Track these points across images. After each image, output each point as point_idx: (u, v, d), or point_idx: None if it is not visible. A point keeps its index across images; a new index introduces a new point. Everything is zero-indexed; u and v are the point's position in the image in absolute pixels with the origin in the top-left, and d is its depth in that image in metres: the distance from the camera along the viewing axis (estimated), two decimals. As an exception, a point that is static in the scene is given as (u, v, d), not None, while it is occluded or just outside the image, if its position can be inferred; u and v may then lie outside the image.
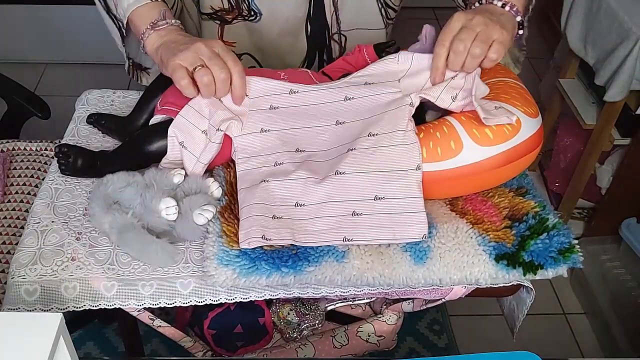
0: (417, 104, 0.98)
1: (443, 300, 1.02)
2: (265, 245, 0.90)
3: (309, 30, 1.25)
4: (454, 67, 0.97)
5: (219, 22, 1.25)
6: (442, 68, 0.98)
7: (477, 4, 1.04)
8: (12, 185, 1.46)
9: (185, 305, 0.92)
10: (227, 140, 1.00)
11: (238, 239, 0.90)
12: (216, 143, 0.98)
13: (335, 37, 1.28)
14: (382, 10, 1.27)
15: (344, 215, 0.91)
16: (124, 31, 1.11)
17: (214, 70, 0.95)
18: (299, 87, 1.03)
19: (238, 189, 0.96)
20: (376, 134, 0.95)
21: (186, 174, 0.99)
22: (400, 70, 1.04)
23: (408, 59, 1.04)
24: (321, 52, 1.30)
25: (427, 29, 1.08)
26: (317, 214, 0.92)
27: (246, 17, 1.22)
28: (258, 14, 1.21)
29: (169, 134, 0.99)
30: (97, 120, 1.14)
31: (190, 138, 0.99)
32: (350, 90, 1.02)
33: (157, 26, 1.02)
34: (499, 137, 0.93)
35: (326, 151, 0.98)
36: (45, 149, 1.57)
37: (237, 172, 0.98)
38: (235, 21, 1.23)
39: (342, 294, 0.95)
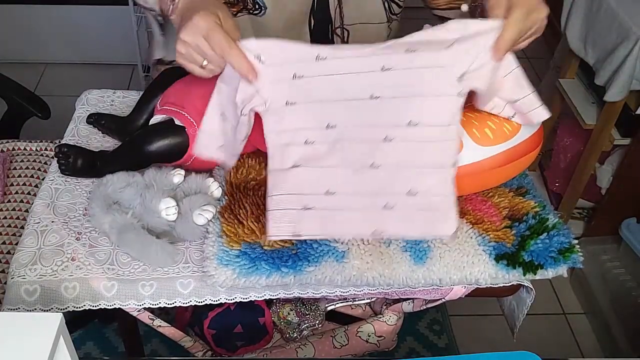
0: (466, 93, 0.90)
1: (443, 300, 1.02)
2: (266, 245, 0.90)
3: (312, 24, 1.25)
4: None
5: None
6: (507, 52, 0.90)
7: None
8: (12, 185, 1.46)
9: (185, 305, 0.92)
10: None
11: (238, 239, 0.90)
12: (245, 125, 0.91)
13: (338, 31, 1.28)
14: (386, 3, 1.27)
15: (375, 208, 0.90)
16: (158, 18, 1.09)
17: (211, 65, 0.88)
18: (327, 52, 0.89)
19: (268, 170, 0.92)
20: (417, 124, 0.89)
21: (186, 175, 0.99)
22: (449, 39, 0.89)
23: (460, 28, 0.88)
24: None
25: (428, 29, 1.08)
26: (348, 204, 0.91)
27: (251, 11, 1.22)
28: (263, 8, 1.20)
29: (211, 103, 0.92)
30: (97, 120, 1.14)
31: (230, 109, 0.92)
32: (388, 58, 0.89)
33: None
34: (499, 136, 0.93)
35: (360, 129, 0.91)
36: (45, 149, 1.57)
37: (267, 149, 0.92)
38: (239, 14, 1.23)
39: (342, 294, 0.95)
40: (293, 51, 0.90)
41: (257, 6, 1.20)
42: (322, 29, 1.27)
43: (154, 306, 0.92)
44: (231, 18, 0.88)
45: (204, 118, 0.94)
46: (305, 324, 1.25)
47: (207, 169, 1.03)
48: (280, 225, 0.89)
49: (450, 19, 0.97)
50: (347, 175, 0.91)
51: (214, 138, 0.95)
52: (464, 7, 1.08)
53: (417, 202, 0.90)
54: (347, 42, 1.30)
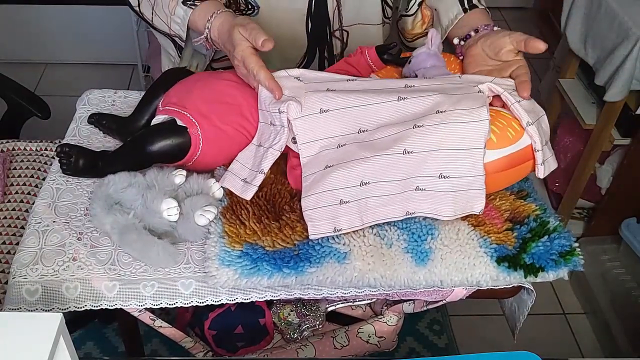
0: (487, 93, 0.98)
1: (444, 301, 1.02)
2: (267, 246, 0.90)
3: (309, 26, 1.25)
4: None
5: None
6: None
7: (476, 32, 1.14)
8: (12, 185, 1.46)
9: (186, 305, 0.92)
10: (227, 138, 1.00)
11: (240, 240, 0.90)
12: (285, 126, 0.96)
13: (337, 33, 1.28)
14: (383, 3, 1.28)
15: (408, 191, 0.93)
16: (178, 42, 1.19)
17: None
18: (355, 78, 1.04)
19: (303, 176, 0.95)
20: (444, 111, 0.94)
21: (187, 175, 0.99)
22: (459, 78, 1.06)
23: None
24: (322, 49, 1.29)
25: (433, 34, 1.09)
26: (381, 190, 0.92)
27: (244, 11, 1.22)
28: (255, 8, 1.20)
29: (252, 142, 1.01)
30: (98, 120, 1.14)
31: (266, 134, 0.99)
32: (410, 80, 1.02)
33: (213, 17, 1.06)
34: (502, 141, 0.93)
35: (388, 126, 0.96)
36: (45, 149, 1.57)
37: (301, 160, 0.96)
38: None
39: (344, 295, 0.95)
40: (326, 75, 1.04)
41: (249, 6, 1.20)
42: (320, 31, 1.26)
43: (155, 306, 0.92)
44: (251, 23, 1.00)
45: (241, 151, 1.01)
46: (305, 324, 1.25)
47: (209, 169, 1.03)
48: (320, 224, 0.91)
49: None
50: (380, 164, 0.93)
51: (242, 169, 0.99)
52: (456, 40, 1.18)
53: (449, 186, 0.93)
54: (346, 44, 1.30)
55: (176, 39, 1.16)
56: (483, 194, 0.93)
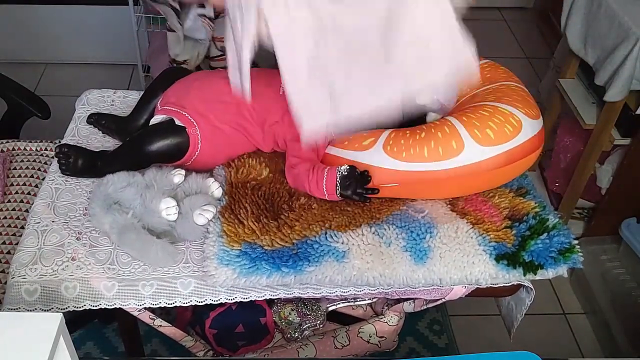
0: None
1: (443, 300, 1.02)
2: (266, 245, 0.90)
3: None
4: None
5: None
6: None
7: None
8: (12, 185, 1.46)
9: (185, 305, 0.92)
10: (225, 137, 1.00)
11: (238, 239, 0.90)
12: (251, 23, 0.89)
13: None
14: None
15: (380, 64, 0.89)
16: (178, 9, 1.18)
17: None
18: None
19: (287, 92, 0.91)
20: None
21: (186, 175, 0.99)
22: None
23: None
24: None
25: None
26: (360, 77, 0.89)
27: None
28: None
29: (228, 45, 0.96)
30: (97, 120, 1.14)
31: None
32: None
33: None
34: (500, 137, 0.94)
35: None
36: (45, 149, 1.57)
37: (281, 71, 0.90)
38: (222, 15, 1.22)
39: (343, 293, 0.95)
40: None
41: None
42: None
43: (154, 306, 0.92)
44: None
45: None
46: (306, 324, 1.25)
47: (207, 169, 1.03)
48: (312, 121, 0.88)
49: None
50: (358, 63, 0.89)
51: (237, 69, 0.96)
52: None
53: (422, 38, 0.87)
54: None
55: (175, 4, 1.15)
56: (467, 47, 0.86)
